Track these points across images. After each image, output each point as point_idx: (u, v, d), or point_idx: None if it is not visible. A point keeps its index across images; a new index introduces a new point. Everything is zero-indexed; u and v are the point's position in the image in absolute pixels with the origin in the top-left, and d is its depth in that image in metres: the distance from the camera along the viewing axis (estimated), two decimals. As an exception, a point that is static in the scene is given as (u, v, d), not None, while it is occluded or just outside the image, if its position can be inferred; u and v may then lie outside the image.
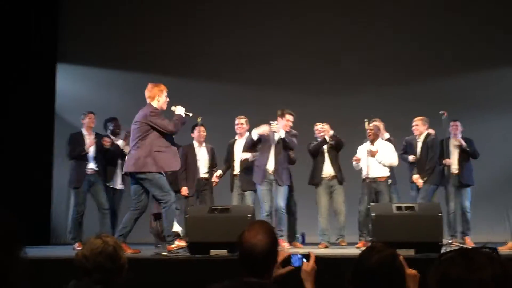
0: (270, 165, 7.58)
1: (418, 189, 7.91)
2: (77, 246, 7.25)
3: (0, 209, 1.48)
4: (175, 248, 6.19)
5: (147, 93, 6.49)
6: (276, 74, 9.96)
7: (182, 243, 6.28)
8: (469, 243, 7.58)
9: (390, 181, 7.75)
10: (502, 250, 6.37)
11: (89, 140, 7.92)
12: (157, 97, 6.43)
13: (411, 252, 5.46)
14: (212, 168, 8.20)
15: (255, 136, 7.63)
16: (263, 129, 7.59)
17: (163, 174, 6.37)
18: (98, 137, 8.00)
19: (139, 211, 6.36)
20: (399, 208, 6.09)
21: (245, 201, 7.86)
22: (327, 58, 10.01)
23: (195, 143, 8.14)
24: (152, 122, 6.27)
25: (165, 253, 5.99)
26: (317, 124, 8.06)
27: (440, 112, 7.43)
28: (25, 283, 1.45)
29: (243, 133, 8.11)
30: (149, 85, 6.54)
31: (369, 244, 6.14)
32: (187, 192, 7.92)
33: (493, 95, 9.58)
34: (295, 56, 10.01)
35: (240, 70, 10.17)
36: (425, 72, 9.87)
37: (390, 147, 7.87)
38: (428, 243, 5.57)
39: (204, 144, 8.15)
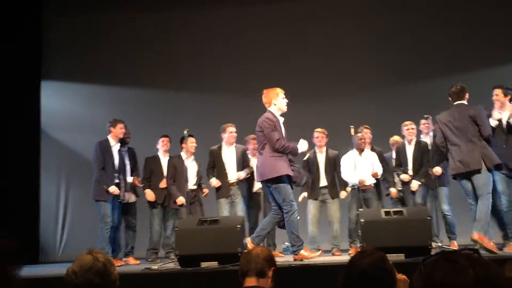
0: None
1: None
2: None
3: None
4: (300, 258, 6.11)
5: (264, 100, 6.43)
6: (259, 81, 9.93)
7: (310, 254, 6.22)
8: (455, 247, 7.40)
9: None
10: (508, 250, 6.40)
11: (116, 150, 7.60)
12: (273, 100, 6.37)
13: (401, 256, 5.50)
14: (200, 180, 8.20)
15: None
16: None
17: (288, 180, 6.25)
18: (121, 147, 7.71)
19: (280, 216, 6.24)
20: (387, 213, 6.11)
21: (235, 209, 7.84)
22: (311, 65, 10.04)
23: (184, 155, 8.09)
24: (264, 129, 6.22)
25: (155, 267, 5.97)
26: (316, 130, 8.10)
27: (425, 116, 7.46)
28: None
29: (234, 141, 8.09)
30: (264, 91, 6.48)
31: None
32: (183, 202, 7.82)
33: (478, 96, 9.60)
34: (279, 62, 10.05)
35: (224, 79, 10.20)
36: (408, 76, 9.95)
37: (376, 159, 7.97)
38: (417, 247, 5.57)
39: (193, 156, 8.12)
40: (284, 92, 6.45)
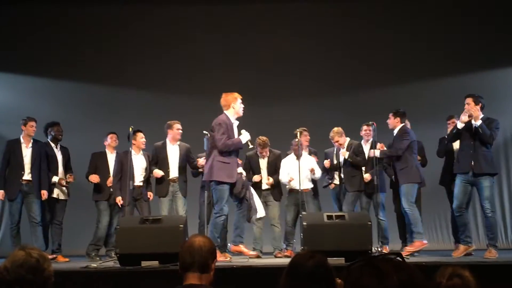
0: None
1: (337, 198, 8.04)
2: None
3: None
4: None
5: (222, 102, 6.66)
6: (207, 84, 9.92)
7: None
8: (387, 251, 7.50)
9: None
10: (455, 255, 6.61)
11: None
12: (232, 104, 6.62)
13: (341, 260, 5.55)
14: (149, 176, 8.08)
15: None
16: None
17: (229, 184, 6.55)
18: (36, 145, 7.67)
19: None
20: (330, 217, 6.20)
21: (176, 204, 7.79)
22: (259, 69, 10.09)
23: (133, 151, 7.94)
24: (215, 131, 6.49)
25: (94, 265, 5.88)
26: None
27: (370, 122, 7.57)
28: None
29: (179, 138, 8.02)
30: (223, 95, 6.70)
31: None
32: (122, 201, 7.62)
33: (424, 105, 9.79)
34: (227, 66, 10.06)
35: (171, 79, 10.14)
36: (354, 83, 10.10)
37: (315, 163, 8.05)
38: (357, 251, 5.68)
39: (141, 152, 7.97)
40: (241, 97, 6.69)
